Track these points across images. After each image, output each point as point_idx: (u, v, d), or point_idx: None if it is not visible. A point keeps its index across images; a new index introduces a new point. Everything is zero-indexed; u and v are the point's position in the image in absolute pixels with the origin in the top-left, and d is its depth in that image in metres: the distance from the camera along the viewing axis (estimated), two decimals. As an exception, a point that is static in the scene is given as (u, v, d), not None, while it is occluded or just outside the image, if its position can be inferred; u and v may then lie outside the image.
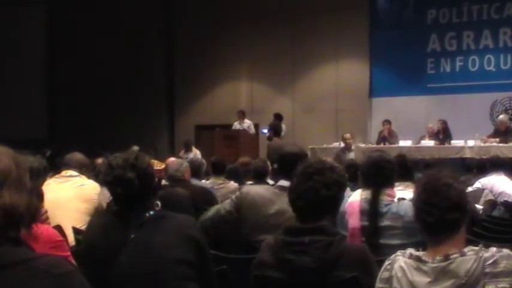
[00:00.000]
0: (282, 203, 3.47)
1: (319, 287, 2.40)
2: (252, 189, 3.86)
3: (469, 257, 2.07)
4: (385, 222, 3.38)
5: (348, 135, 11.76)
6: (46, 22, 17.08)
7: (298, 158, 3.57)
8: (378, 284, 2.23)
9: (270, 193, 3.68)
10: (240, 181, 6.23)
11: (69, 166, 4.63)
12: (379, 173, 3.50)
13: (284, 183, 3.59)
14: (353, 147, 11.65)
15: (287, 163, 3.60)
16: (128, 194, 2.48)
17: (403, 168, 3.92)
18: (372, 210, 3.41)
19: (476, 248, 2.11)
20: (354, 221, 3.48)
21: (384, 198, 3.44)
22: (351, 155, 11.00)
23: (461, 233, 2.17)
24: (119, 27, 15.71)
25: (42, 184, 2.89)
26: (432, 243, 2.16)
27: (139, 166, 2.52)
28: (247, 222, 3.65)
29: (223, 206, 3.81)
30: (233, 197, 3.86)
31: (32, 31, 16.75)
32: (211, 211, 3.81)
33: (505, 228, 4.91)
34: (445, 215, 2.12)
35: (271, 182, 3.64)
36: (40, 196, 2.81)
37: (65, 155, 4.85)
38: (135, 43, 15.71)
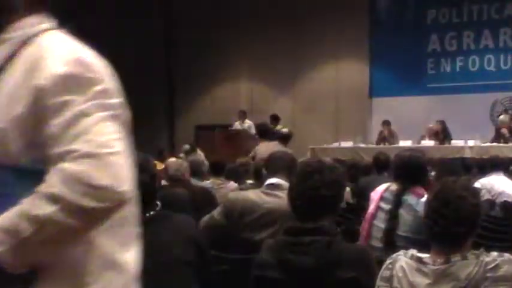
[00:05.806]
0: (272, 202, 3.52)
1: (319, 287, 2.40)
2: (241, 194, 3.90)
3: (470, 261, 2.07)
4: (399, 211, 3.47)
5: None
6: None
7: (285, 157, 3.83)
8: (378, 283, 2.24)
9: (258, 195, 3.70)
10: (240, 181, 6.22)
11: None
12: (406, 171, 3.58)
13: (272, 180, 3.69)
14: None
15: (274, 162, 3.82)
16: (145, 196, 2.48)
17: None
18: (394, 200, 3.51)
19: (477, 252, 2.10)
20: (371, 207, 3.61)
21: (410, 194, 3.50)
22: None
23: (467, 244, 2.15)
24: (119, 28, 15.70)
25: None
26: (435, 247, 2.16)
27: (149, 168, 2.53)
28: (240, 225, 3.66)
29: (214, 213, 3.84)
30: (222, 204, 3.91)
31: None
32: (207, 216, 3.85)
33: (502, 227, 4.94)
34: (452, 227, 2.11)
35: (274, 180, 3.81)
36: None
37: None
38: (135, 43, 15.71)
